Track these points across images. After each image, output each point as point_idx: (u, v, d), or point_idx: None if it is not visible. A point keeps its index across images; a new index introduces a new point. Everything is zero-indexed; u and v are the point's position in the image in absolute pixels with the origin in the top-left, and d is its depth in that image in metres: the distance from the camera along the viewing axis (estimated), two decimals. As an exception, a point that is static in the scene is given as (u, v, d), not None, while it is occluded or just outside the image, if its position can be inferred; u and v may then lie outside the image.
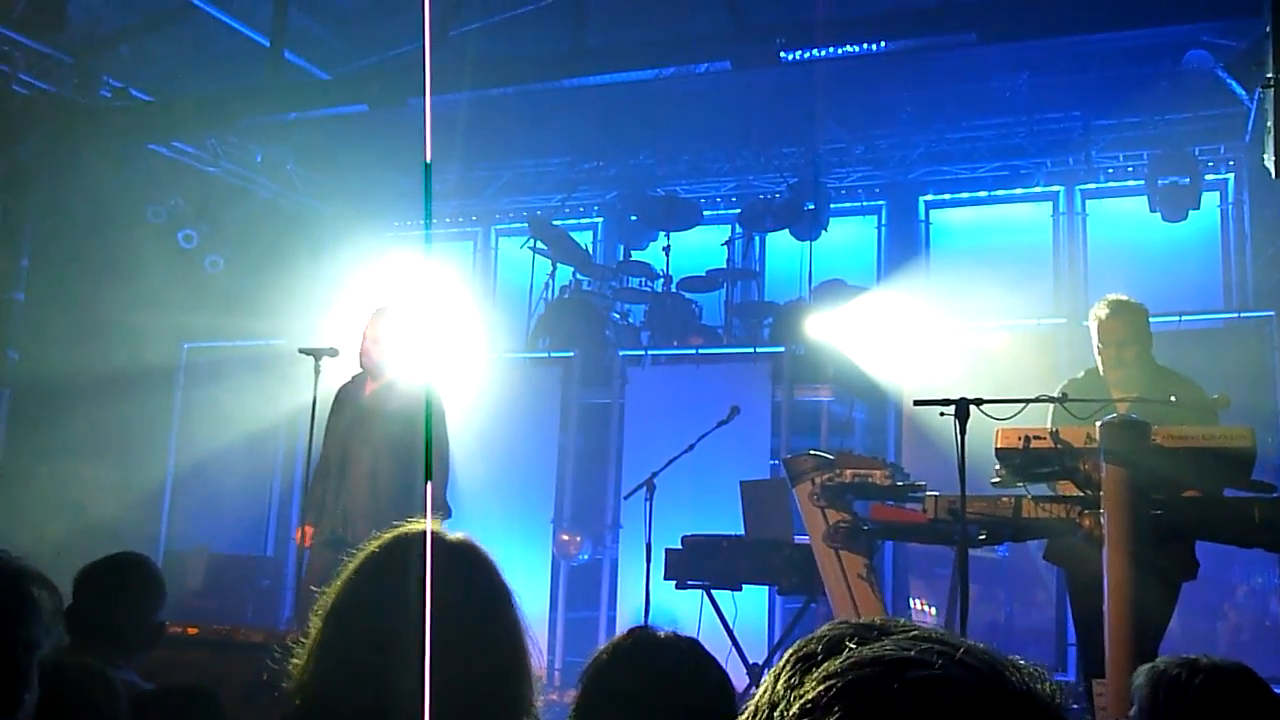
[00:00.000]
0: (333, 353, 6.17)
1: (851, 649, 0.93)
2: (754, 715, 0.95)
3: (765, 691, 0.96)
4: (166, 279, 9.85)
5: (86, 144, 9.24)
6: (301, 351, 6.24)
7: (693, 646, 2.18)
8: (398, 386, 6.10)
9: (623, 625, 6.57)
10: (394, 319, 6.21)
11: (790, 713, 0.90)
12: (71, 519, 8.65)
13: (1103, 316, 5.21)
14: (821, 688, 0.89)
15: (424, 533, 1.71)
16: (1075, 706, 5.43)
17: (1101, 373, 5.26)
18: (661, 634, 2.19)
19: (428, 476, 5.91)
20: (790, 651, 0.98)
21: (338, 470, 6.07)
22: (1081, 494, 4.57)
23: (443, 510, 5.92)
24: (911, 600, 8.58)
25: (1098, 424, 4.39)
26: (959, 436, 4.41)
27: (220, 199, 10.41)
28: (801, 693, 0.91)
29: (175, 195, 10.15)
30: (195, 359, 10.77)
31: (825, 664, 0.92)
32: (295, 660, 1.72)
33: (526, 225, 10.23)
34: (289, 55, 8.78)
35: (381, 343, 6.13)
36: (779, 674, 0.96)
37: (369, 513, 5.84)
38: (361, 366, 6.23)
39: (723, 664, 2.19)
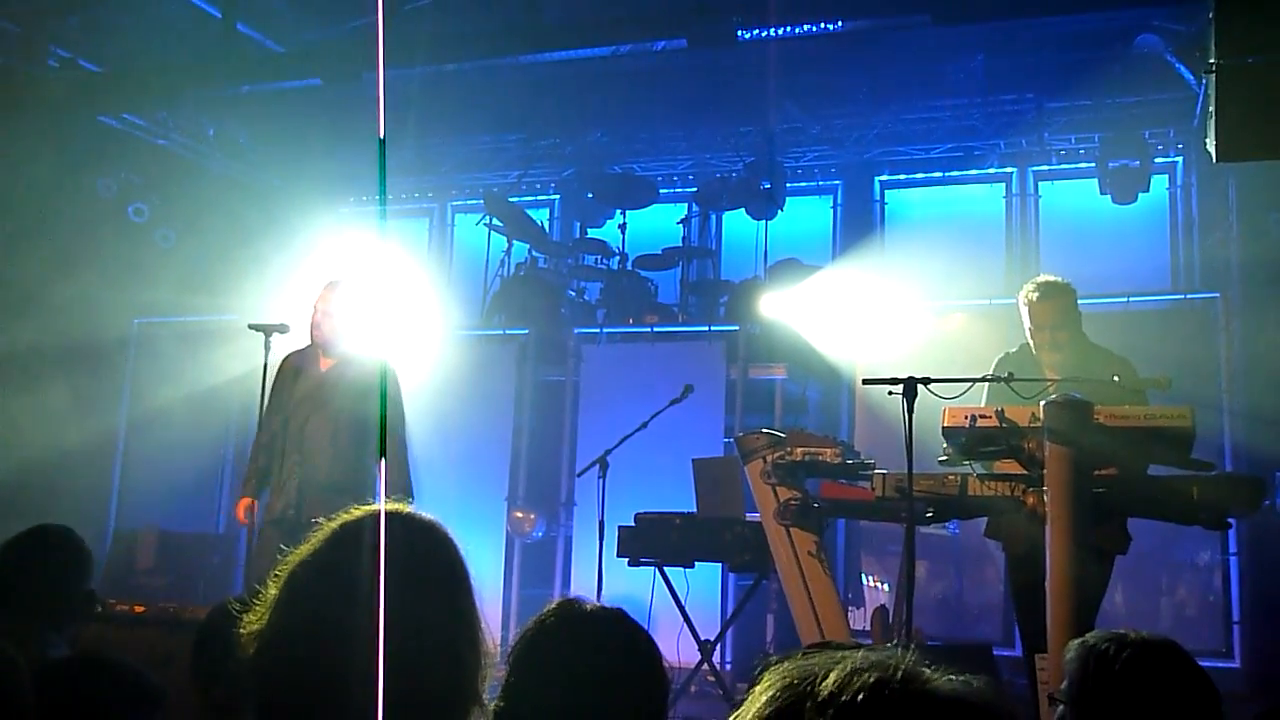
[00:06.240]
0: (283, 329, 6.11)
1: None
2: None
3: None
4: (117, 253, 9.71)
5: (34, 115, 9.06)
6: (251, 327, 6.16)
7: (620, 617, 2.18)
8: (354, 363, 6.03)
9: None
10: (346, 293, 6.12)
11: None
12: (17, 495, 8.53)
13: (1034, 299, 5.29)
14: None
15: (398, 510, 1.73)
16: (1020, 680, 5.51)
17: (1035, 352, 5.35)
18: (589, 606, 2.19)
19: (382, 453, 5.87)
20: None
21: (294, 446, 5.94)
22: (1025, 472, 4.64)
23: (402, 492, 5.73)
24: (864, 576, 8.67)
25: (1042, 403, 4.46)
26: (907, 415, 4.48)
27: (172, 173, 10.24)
28: None
29: (126, 169, 10.00)
30: (146, 334, 10.65)
31: None
32: (250, 617, 1.70)
33: (482, 202, 10.18)
34: (241, 27, 8.65)
35: (333, 316, 6.04)
36: None
37: (323, 493, 5.73)
38: (312, 340, 6.13)
39: (653, 636, 2.20)
